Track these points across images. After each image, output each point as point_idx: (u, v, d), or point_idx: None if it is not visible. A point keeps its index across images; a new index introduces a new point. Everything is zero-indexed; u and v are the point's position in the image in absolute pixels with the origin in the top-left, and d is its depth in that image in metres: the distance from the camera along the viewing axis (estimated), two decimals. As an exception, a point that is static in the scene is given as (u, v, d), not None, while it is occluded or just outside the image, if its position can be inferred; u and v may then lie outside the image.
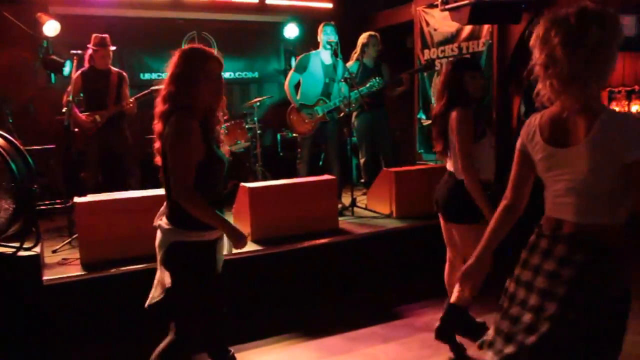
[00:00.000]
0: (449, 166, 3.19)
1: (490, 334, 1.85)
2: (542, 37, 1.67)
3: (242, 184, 4.45)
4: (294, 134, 5.75)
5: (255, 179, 6.08)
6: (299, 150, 5.58)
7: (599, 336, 1.66)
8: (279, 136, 7.13)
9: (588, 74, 1.62)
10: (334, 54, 5.38)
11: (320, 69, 5.43)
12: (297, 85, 5.51)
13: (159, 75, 7.08)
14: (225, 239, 2.50)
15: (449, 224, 3.23)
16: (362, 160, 5.99)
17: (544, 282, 1.70)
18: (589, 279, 1.64)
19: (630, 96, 7.30)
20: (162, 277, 2.36)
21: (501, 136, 5.81)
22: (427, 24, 6.77)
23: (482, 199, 2.91)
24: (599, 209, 1.67)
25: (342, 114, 5.47)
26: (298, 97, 5.45)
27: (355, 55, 5.67)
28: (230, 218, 4.71)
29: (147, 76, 7.02)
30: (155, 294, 2.40)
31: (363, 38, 5.64)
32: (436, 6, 6.45)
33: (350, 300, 4.14)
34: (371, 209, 5.13)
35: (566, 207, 1.73)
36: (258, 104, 6.44)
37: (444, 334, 3.27)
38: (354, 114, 5.65)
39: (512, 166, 1.92)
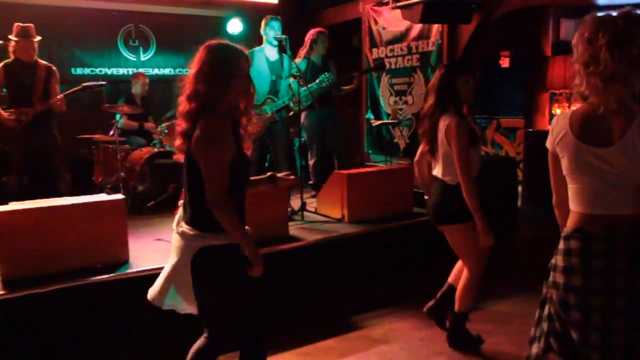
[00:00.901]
0: (437, 172, 3.15)
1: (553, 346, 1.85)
2: (587, 37, 1.73)
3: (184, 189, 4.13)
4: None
5: (198, 182, 5.74)
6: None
7: None
8: (222, 136, 6.79)
9: (630, 75, 1.71)
10: (281, 50, 5.14)
11: (265, 66, 5.17)
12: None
13: (92, 71, 6.63)
14: None
15: (442, 228, 3.19)
16: (311, 162, 5.77)
17: (624, 282, 1.71)
18: None
19: (570, 98, 7.46)
20: (187, 288, 2.25)
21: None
22: (376, 22, 6.64)
23: (476, 205, 2.94)
24: None
25: (291, 113, 5.23)
26: (244, 96, 5.17)
27: (303, 52, 5.45)
28: (171, 223, 4.38)
29: (79, 71, 6.56)
30: (182, 307, 2.35)
31: (312, 35, 5.42)
32: (385, 4, 6.35)
33: (302, 312, 3.91)
34: (322, 212, 4.92)
35: (614, 203, 1.76)
36: (200, 102, 6.10)
37: (454, 342, 3.33)
38: (304, 113, 5.42)
39: (550, 172, 1.95)
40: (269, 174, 2.53)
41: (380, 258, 4.46)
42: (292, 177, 2.56)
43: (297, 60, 5.40)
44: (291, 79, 5.06)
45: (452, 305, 3.29)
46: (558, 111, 7.48)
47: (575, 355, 1.81)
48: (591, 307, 1.75)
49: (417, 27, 6.06)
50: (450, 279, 3.41)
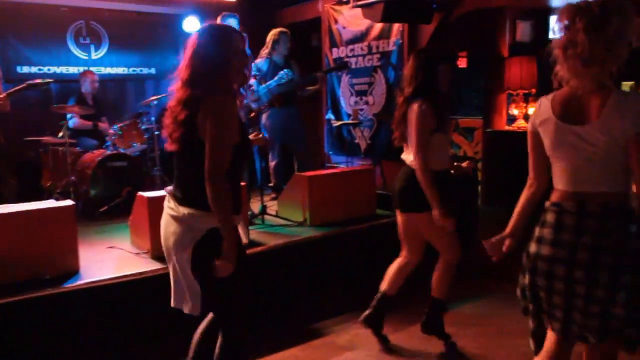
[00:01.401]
0: (404, 155, 3.13)
1: (530, 308, 2.03)
2: (565, 23, 1.83)
3: (140, 192, 3.94)
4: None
5: (153, 186, 5.54)
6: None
7: None
8: (179, 137, 6.57)
9: (606, 57, 1.79)
10: None
11: None
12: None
13: (39, 69, 6.30)
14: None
15: (407, 215, 3.15)
16: (272, 163, 5.65)
17: (587, 256, 1.85)
18: (631, 243, 1.83)
19: (527, 99, 7.56)
20: (189, 283, 2.15)
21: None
22: (336, 21, 6.56)
23: (431, 190, 2.94)
24: (621, 178, 1.86)
25: (252, 114, 5.09)
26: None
27: (265, 52, 5.31)
28: (126, 230, 4.20)
29: (25, 69, 6.22)
30: (188, 308, 2.20)
31: (273, 34, 5.29)
32: (345, 3, 6.28)
33: (265, 320, 3.78)
34: (282, 216, 4.80)
35: (590, 180, 1.89)
36: (155, 102, 5.90)
37: (429, 328, 3.33)
38: (265, 114, 5.29)
39: (529, 151, 2.07)
40: None
41: (344, 261, 4.37)
42: None
43: (259, 60, 5.27)
44: (252, 80, 4.92)
45: (387, 313, 3.34)
46: (515, 111, 7.58)
47: (542, 314, 2.02)
48: (554, 275, 1.92)
49: (378, 27, 6.02)
50: (382, 287, 3.36)
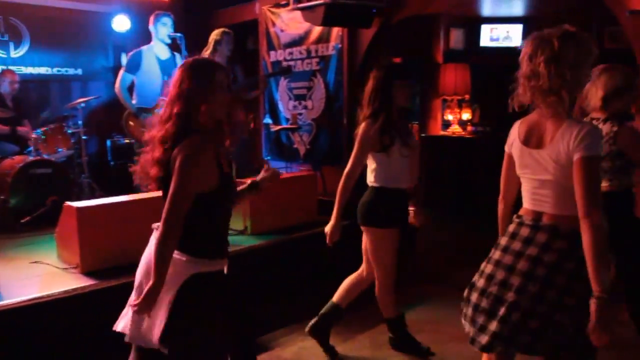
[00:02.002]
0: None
1: (468, 313, 2.09)
2: (529, 54, 1.95)
3: (67, 202, 3.66)
4: (128, 140, 5.01)
5: (81, 194, 5.20)
6: (136, 159, 4.84)
7: (575, 309, 1.90)
8: (109, 142, 6.24)
9: (562, 88, 1.89)
10: (174, 49, 4.78)
11: (156, 66, 4.76)
12: (131, 87, 4.78)
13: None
14: None
15: (364, 229, 3.14)
16: None
17: (525, 265, 1.95)
18: (567, 264, 1.91)
19: (461, 104, 7.74)
20: (156, 320, 1.99)
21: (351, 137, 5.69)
22: (274, 24, 6.43)
23: (337, 203, 3.03)
24: (571, 202, 1.88)
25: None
26: (134, 101, 4.74)
27: (206, 53, 5.09)
28: (52, 243, 3.89)
29: None
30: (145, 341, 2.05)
31: (216, 34, 5.09)
32: (283, 6, 6.17)
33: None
34: (223, 224, 4.61)
35: (544, 201, 2.00)
36: (83, 105, 5.59)
37: (397, 346, 3.31)
38: None
39: (502, 170, 2.20)
40: (249, 182, 2.36)
41: (288, 270, 4.25)
42: (270, 170, 2.41)
43: None
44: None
45: (335, 323, 3.30)
46: (450, 117, 7.74)
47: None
48: (493, 278, 2.02)
49: (317, 31, 5.94)
50: (335, 298, 3.30)
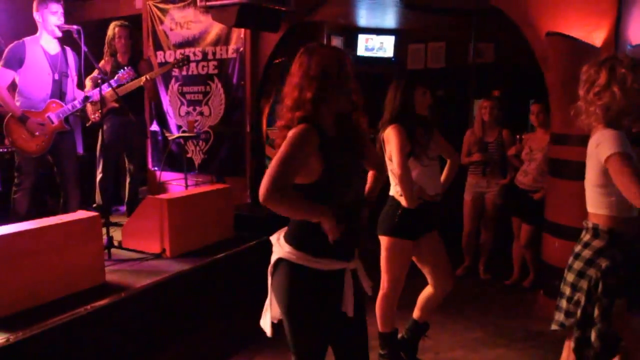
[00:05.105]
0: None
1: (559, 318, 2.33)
2: (583, 80, 2.27)
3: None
4: (10, 151, 4.18)
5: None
6: (17, 174, 4.05)
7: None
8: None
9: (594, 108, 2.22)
10: (60, 43, 4.10)
11: (44, 62, 4.01)
12: (12, 86, 3.99)
13: None
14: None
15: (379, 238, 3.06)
16: (99, 177, 4.79)
17: (579, 265, 2.25)
18: (601, 260, 2.17)
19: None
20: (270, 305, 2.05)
21: (256, 145, 5.43)
22: (161, 22, 5.86)
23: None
24: (601, 202, 2.21)
25: (89, 123, 4.18)
26: (18, 103, 3.95)
27: (106, 50, 4.44)
28: None
29: None
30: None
31: (110, 29, 4.44)
32: (172, 2, 5.68)
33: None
34: (130, 248, 4.02)
35: (588, 202, 2.29)
36: None
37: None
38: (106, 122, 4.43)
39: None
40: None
41: (218, 293, 3.86)
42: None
43: (102, 63, 4.40)
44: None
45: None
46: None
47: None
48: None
49: (214, 32, 5.53)
50: (415, 314, 3.23)
